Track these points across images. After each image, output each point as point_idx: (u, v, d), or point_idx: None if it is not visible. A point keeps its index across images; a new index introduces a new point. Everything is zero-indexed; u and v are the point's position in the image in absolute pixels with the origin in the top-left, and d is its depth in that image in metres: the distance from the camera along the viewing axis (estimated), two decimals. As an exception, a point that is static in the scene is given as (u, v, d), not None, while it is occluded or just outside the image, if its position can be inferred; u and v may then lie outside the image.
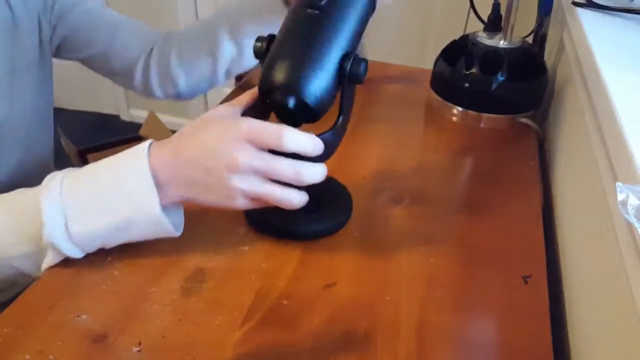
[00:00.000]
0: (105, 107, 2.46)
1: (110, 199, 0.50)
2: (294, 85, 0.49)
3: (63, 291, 0.51)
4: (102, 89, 2.40)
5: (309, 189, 0.53)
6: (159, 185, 0.49)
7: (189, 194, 0.51)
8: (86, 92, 2.44)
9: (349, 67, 0.51)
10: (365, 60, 0.51)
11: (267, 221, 0.59)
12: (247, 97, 0.54)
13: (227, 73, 0.83)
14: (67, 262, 0.54)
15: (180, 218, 0.55)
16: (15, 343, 0.46)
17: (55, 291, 0.51)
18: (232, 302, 0.51)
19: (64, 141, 1.79)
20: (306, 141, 0.50)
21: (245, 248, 0.57)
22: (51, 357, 0.45)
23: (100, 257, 0.55)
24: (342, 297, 0.52)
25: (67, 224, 0.49)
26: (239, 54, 0.79)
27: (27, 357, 0.45)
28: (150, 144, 0.51)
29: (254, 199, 0.51)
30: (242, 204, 0.51)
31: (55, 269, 0.53)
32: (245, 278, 0.53)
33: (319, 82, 0.50)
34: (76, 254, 0.52)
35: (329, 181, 0.58)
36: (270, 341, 0.47)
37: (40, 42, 0.72)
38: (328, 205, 0.61)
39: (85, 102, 2.48)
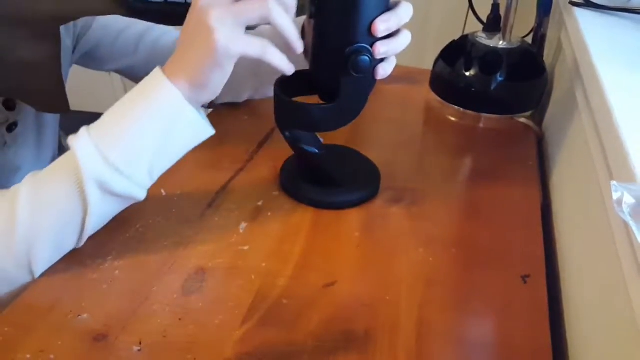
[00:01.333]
0: (106, 108, 2.44)
1: (133, 111, 0.51)
2: None
3: (64, 291, 0.51)
4: (102, 90, 2.40)
5: (346, 166, 0.65)
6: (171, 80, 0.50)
7: (187, 66, 0.51)
8: (86, 92, 2.44)
9: (349, 57, 0.54)
10: (364, 55, 0.53)
11: (303, 194, 0.65)
12: None
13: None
14: (67, 261, 0.54)
15: (205, 118, 0.55)
16: (16, 342, 0.46)
17: (55, 291, 0.51)
18: (232, 302, 0.51)
19: (64, 141, 1.79)
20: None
21: (246, 248, 0.57)
22: (52, 356, 0.45)
23: (101, 256, 0.55)
24: (342, 297, 0.52)
25: (105, 156, 0.49)
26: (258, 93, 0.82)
27: (28, 356, 0.45)
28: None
29: (235, 41, 0.49)
30: (223, 43, 0.48)
31: (55, 269, 0.53)
32: (246, 277, 0.54)
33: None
34: (129, 187, 0.51)
35: (362, 160, 0.72)
36: (271, 340, 0.47)
37: (70, 66, 0.74)
38: (359, 179, 0.68)
39: (85, 103, 2.47)
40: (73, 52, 0.76)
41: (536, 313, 0.51)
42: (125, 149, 0.50)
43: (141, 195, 0.53)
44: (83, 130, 0.51)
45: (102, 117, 0.52)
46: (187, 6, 0.52)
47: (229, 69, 0.51)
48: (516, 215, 0.65)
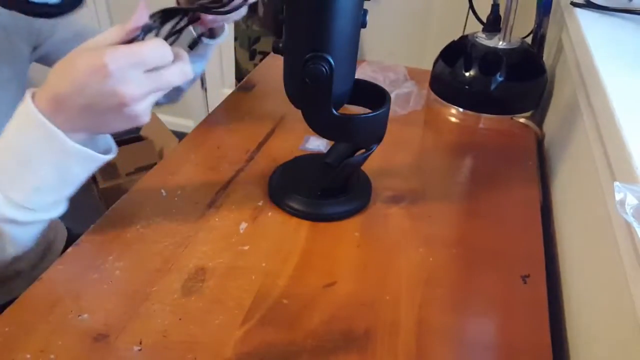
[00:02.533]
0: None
1: (25, 156, 0.49)
2: None
3: (64, 291, 0.51)
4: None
5: (340, 177, 0.62)
6: (55, 124, 0.48)
7: (90, 125, 0.49)
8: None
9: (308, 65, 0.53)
10: (318, 65, 0.52)
11: (295, 208, 0.62)
12: (117, 32, 0.47)
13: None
14: (67, 262, 0.54)
15: (107, 141, 0.54)
16: (17, 342, 0.46)
17: (56, 291, 0.51)
18: (232, 302, 0.51)
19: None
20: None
21: (246, 248, 0.57)
22: (52, 356, 0.45)
23: (102, 256, 0.55)
24: (342, 297, 0.52)
25: (8, 197, 0.49)
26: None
27: (28, 356, 0.45)
28: (33, 93, 0.50)
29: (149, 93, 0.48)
30: (143, 110, 0.48)
31: (55, 269, 0.53)
32: (246, 277, 0.54)
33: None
34: (40, 216, 0.52)
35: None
36: (271, 340, 0.47)
37: (16, 62, 0.73)
38: (350, 189, 0.65)
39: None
40: (32, 51, 0.76)
41: (536, 313, 0.52)
42: (25, 187, 0.50)
43: (56, 214, 0.53)
44: None
45: None
46: (45, 5, 0.54)
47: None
48: (516, 215, 0.65)
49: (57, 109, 0.48)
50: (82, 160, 0.51)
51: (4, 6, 0.55)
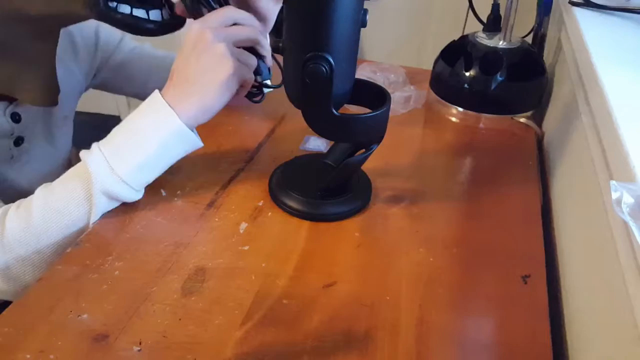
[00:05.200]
0: (106, 109, 2.46)
1: (139, 132, 0.58)
2: None
3: (64, 291, 0.51)
4: (103, 91, 2.41)
5: (340, 177, 0.63)
6: (172, 106, 0.58)
7: (192, 89, 0.58)
8: (87, 93, 2.44)
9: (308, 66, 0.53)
10: (318, 65, 0.52)
11: (295, 208, 0.63)
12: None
13: None
14: (67, 261, 0.54)
15: (195, 135, 0.62)
16: (16, 343, 0.46)
17: (56, 291, 0.51)
18: (232, 302, 0.51)
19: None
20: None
21: (246, 248, 0.57)
22: (52, 356, 0.45)
23: (101, 256, 0.55)
24: (342, 297, 0.52)
25: (112, 167, 0.57)
26: None
27: (28, 356, 0.45)
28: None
29: (236, 46, 0.59)
30: (231, 63, 0.57)
31: (55, 269, 0.53)
32: (246, 278, 0.54)
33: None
34: (130, 194, 0.60)
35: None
36: (271, 340, 0.47)
37: (79, 92, 0.84)
38: (350, 189, 0.65)
39: (86, 104, 2.47)
40: (93, 77, 0.87)
41: (536, 313, 0.52)
42: (131, 165, 0.58)
43: (139, 196, 0.62)
44: (95, 147, 0.58)
45: (112, 135, 0.59)
46: (148, 21, 0.60)
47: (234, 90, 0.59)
48: (516, 215, 0.65)
49: (177, 88, 0.58)
50: (186, 144, 0.60)
51: (109, 21, 0.60)
